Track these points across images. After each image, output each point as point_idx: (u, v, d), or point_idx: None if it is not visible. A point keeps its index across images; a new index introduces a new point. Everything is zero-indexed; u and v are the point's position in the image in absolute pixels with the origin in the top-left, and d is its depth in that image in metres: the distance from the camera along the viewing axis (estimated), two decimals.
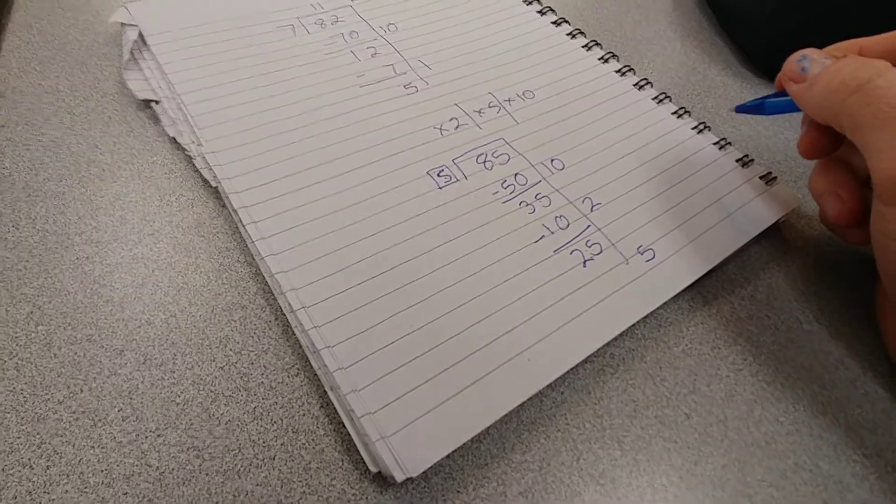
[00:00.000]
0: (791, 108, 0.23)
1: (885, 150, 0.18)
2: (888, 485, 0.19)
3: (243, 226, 0.23)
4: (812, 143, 0.22)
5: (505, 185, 0.25)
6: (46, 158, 0.25)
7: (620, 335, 0.21)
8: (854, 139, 0.19)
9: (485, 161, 0.26)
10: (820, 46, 0.22)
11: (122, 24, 0.29)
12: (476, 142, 0.27)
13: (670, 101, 0.30)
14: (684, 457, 0.19)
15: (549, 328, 0.21)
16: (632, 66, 0.32)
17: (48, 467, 0.17)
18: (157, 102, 0.27)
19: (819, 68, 0.21)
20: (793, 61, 0.22)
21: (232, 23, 0.31)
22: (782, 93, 0.23)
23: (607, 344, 0.21)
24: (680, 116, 0.29)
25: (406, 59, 0.31)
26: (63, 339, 0.20)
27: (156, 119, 0.27)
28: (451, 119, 0.28)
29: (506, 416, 0.19)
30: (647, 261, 0.23)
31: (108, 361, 0.19)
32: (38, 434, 0.18)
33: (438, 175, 0.25)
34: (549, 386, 0.20)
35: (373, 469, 0.17)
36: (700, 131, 0.29)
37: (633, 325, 0.21)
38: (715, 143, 0.28)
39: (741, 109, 0.24)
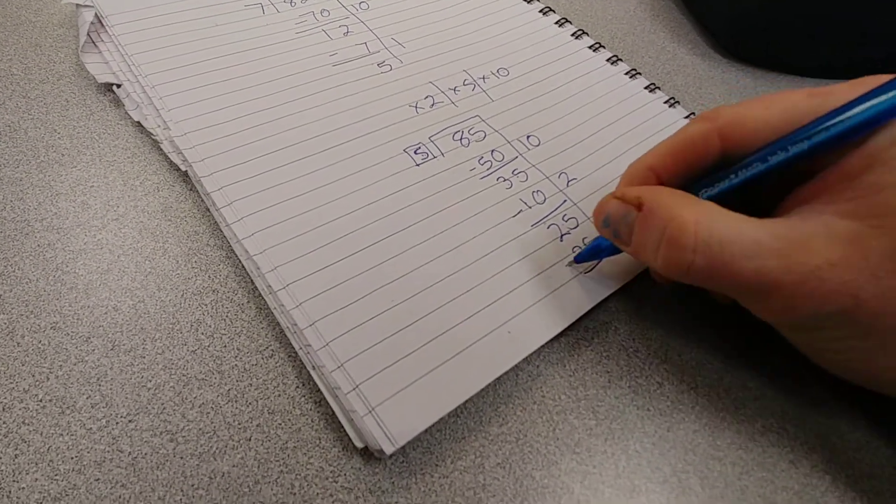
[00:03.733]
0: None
1: (769, 314, 0.18)
2: (851, 443, 0.20)
3: (217, 209, 0.22)
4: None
5: (482, 162, 0.25)
6: (2, 144, 0.24)
7: (594, 308, 0.21)
8: None
9: (461, 138, 0.26)
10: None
11: (77, 6, 0.28)
12: (452, 119, 0.27)
13: (641, 76, 0.30)
14: (657, 424, 0.19)
15: (528, 301, 0.21)
16: (603, 44, 0.32)
17: (16, 456, 0.17)
18: (118, 86, 0.26)
19: (628, 230, 0.19)
20: (600, 225, 0.20)
21: (197, 1, 0.30)
22: None
23: (581, 317, 0.21)
24: (652, 91, 0.30)
25: (379, 38, 0.30)
26: (26, 327, 0.19)
27: (117, 102, 0.26)
28: (427, 97, 0.28)
29: (482, 389, 0.19)
30: None
31: (75, 349, 0.19)
32: (3, 423, 0.17)
33: (415, 152, 0.25)
34: (525, 359, 0.20)
35: (359, 444, 0.17)
36: (672, 105, 0.29)
37: (607, 297, 0.22)
38: (686, 118, 0.29)
39: (579, 259, 0.22)
